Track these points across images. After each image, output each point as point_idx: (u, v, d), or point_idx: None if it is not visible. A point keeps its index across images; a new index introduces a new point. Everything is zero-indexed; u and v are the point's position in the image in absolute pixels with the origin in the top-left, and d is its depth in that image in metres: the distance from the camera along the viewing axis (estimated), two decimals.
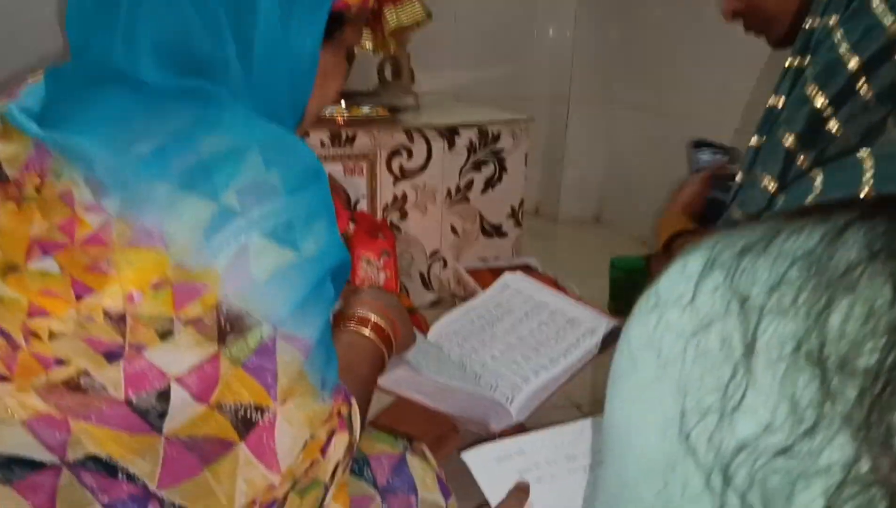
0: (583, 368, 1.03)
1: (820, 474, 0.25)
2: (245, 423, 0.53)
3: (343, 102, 1.73)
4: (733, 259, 0.29)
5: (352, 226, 1.57)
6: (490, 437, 0.96)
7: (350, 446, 0.60)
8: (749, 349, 0.27)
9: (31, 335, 0.51)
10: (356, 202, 1.65)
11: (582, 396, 1.37)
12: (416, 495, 0.69)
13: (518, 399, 0.98)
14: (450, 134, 1.69)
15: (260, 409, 0.53)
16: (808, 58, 0.51)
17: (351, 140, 1.61)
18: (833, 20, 0.49)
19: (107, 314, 0.51)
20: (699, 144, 1.24)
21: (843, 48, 0.47)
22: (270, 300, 0.53)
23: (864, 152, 0.40)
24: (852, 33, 0.47)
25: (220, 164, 0.54)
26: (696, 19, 2.03)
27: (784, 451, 0.25)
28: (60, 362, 0.51)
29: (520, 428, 0.99)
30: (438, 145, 1.69)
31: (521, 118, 1.77)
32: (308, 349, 0.56)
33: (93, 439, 0.51)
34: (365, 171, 1.64)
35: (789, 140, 0.49)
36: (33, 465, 0.51)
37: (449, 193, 1.73)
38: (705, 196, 0.94)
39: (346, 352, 0.69)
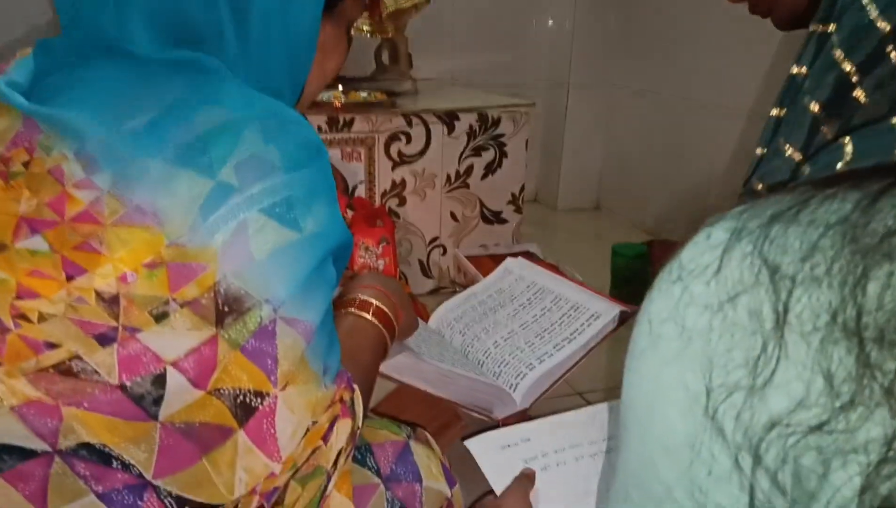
0: (588, 354, 1.01)
1: (857, 451, 0.23)
2: (244, 409, 0.51)
3: (340, 86, 1.70)
4: (762, 228, 0.28)
5: (350, 213, 1.55)
6: (493, 425, 0.95)
7: (353, 433, 0.58)
8: (780, 320, 0.25)
9: (20, 317, 0.49)
10: (354, 188, 1.63)
11: (588, 384, 1.35)
12: (421, 483, 0.67)
13: (522, 386, 0.97)
14: (449, 119, 1.67)
15: (260, 394, 0.51)
16: (833, 25, 0.49)
17: (349, 125, 1.58)
18: None
19: (99, 296, 0.49)
20: None
21: (873, 11, 0.44)
22: (270, 280, 0.51)
23: None
24: None
25: (217, 138, 0.51)
26: (696, 6, 2.01)
27: (818, 428, 0.24)
28: (51, 345, 0.48)
29: (524, 416, 0.97)
30: (438, 130, 1.66)
31: (522, 103, 1.75)
32: (310, 333, 0.53)
33: (86, 426, 0.49)
34: (363, 156, 1.62)
35: (815, 108, 0.46)
36: (23, 453, 0.48)
37: (448, 178, 1.71)
38: None
39: (348, 337, 0.67)
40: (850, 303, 0.24)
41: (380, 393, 1.05)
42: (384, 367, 0.83)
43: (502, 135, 1.73)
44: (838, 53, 0.46)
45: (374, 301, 0.72)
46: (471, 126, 1.69)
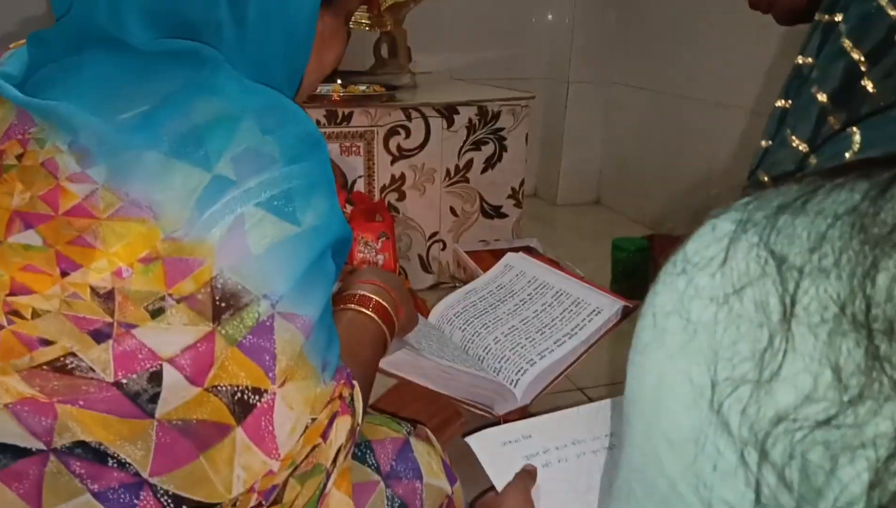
0: (589, 350, 1.01)
1: (865, 446, 0.23)
2: (242, 406, 0.50)
3: (339, 80, 1.69)
4: (769, 219, 0.27)
5: (349, 207, 1.54)
6: (494, 421, 0.94)
7: (352, 430, 0.58)
8: (788, 313, 0.25)
9: (13, 313, 0.48)
10: (353, 183, 1.62)
11: (589, 380, 1.35)
12: (422, 480, 0.66)
13: (523, 382, 0.96)
14: (449, 112, 1.66)
15: (258, 391, 0.50)
16: (840, 14, 0.48)
17: (347, 119, 1.57)
18: None
19: (94, 291, 0.48)
20: None
21: None
22: (268, 275, 0.50)
23: None
24: None
25: (214, 130, 0.50)
26: (697, 0, 2.00)
27: (826, 422, 0.24)
28: (45, 342, 0.48)
29: (525, 412, 0.96)
30: (437, 124, 1.65)
31: (523, 96, 1.74)
32: (308, 328, 0.53)
33: (81, 424, 0.48)
34: (362, 150, 1.61)
35: (822, 98, 0.46)
36: (18, 452, 0.48)
37: (448, 173, 1.70)
38: None
39: (347, 333, 0.67)
40: (859, 295, 0.24)
41: (379, 389, 1.04)
42: (384, 363, 0.82)
43: (502, 129, 1.72)
44: (847, 42, 0.45)
45: (374, 297, 0.71)
46: (470, 120, 1.68)
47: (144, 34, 0.55)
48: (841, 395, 0.23)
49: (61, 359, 0.47)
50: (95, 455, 0.48)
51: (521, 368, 0.97)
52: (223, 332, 0.49)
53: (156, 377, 0.48)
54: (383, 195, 1.66)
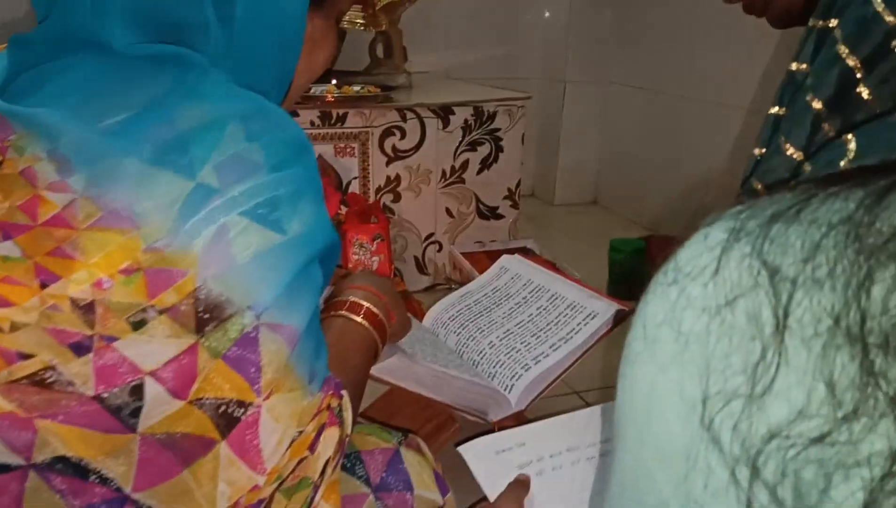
0: (585, 354, 1.00)
1: (860, 465, 0.22)
2: (227, 420, 0.49)
3: (333, 81, 1.68)
4: (762, 228, 0.26)
5: (343, 209, 1.53)
6: (489, 428, 0.93)
7: (341, 441, 0.57)
8: (780, 325, 0.24)
9: None
10: (348, 184, 1.61)
11: (585, 384, 1.34)
12: (412, 492, 0.65)
13: (517, 387, 0.95)
14: (444, 113, 1.65)
15: (242, 404, 0.49)
16: (835, 20, 0.47)
17: (342, 120, 1.56)
18: None
19: (74, 303, 0.47)
20: None
21: (879, 4, 0.43)
22: (253, 285, 0.49)
23: None
24: None
25: (197, 137, 0.49)
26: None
27: (820, 439, 0.23)
28: (24, 356, 0.46)
29: (520, 418, 0.95)
30: (432, 125, 1.64)
31: (518, 96, 1.73)
32: (294, 339, 0.51)
33: (61, 439, 0.47)
34: (356, 152, 1.60)
35: (817, 105, 0.45)
36: None
37: (444, 174, 1.69)
38: None
39: (337, 340, 0.66)
40: (854, 306, 0.23)
41: (372, 396, 1.03)
42: (376, 369, 0.81)
43: (498, 129, 1.71)
44: (842, 48, 0.44)
45: (364, 303, 0.70)
46: (466, 120, 1.67)
47: (128, 36, 0.54)
48: (835, 411, 0.23)
49: (40, 373, 0.46)
50: (76, 470, 0.47)
51: (516, 373, 0.96)
52: (206, 344, 0.48)
53: (137, 391, 0.47)
54: (378, 197, 1.65)
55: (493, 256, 1.38)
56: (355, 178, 1.61)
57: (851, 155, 0.39)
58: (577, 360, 0.99)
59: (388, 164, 1.63)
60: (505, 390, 0.95)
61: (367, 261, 1.51)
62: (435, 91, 1.83)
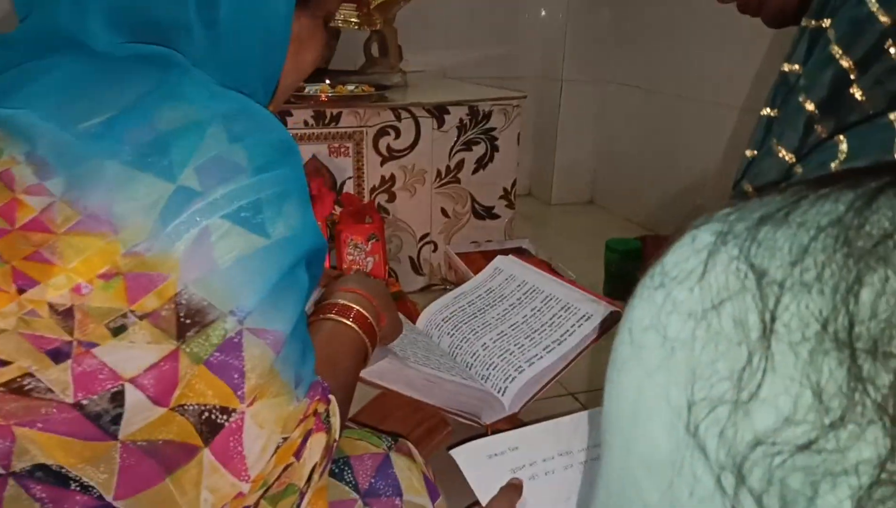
0: (579, 356, 0.99)
1: (848, 472, 0.22)
2: (209, 426, 0.48)
3: (328, 80, 1.67)
4: (749, 231, 0.26)
5: (338, 209, 1.52)
6: (482, 431, 0.92)
7: (328, 447, 0.56)
8: (767, 330, 0.24)
9: None
10: (342, 184, 1.60)
11: (579, 385, 1.33)
12: (401, 497, 0.64)
13: (511, 390, 0.94)
14: (439, 112, 1.64)
15: (226, 411, 0.48)
16: (828, 20, 0.46)
17: (336, 119, 1.55)
18: None
19: (52, 308, 0.46)
20: None
21: (873, 4, 0.42)
22: (235, 290, 0.48)
23: (894, 116, 0.37)
24: None
25: (178, 138, 0.48)
26: None
27: (807, 446, 0.22)
28: (1, 362, 0.46)
29: (514, 420, 0.94)
30: (427, 124, 1.63)
31: (514, 96, 1.72)
32: (279, 343, 0.51)
33: (40, 447, 0.46)
34: (351, 151, 1.59)
35: (810, 107, 0.44)
36: None
37: (439, 173, 1.68)
38: None
39: (326, 344, 0.65)
40: (842, 311, 0.23)
41: (363, 399, 1.02)
42: (366, 373, 0.80)
43: (493, 129, 1.70)
44: (836, 49, 0.43)
45: (354, 306, 0.69)
46: (461, 120, 1.66)
47: (109, 36, 0.53)
48: (822, 418, 0.22)
49: (18, 380, 0.45)
50: (57, 478, 0.46)
51: (510, 375, 0.95)
52: (188, 350, 0.47)
53: (117, 398, 0.46)
54: (373, 197, 1.64)
55: (488, 256, 1.37)
56: (350, 178, 1.60)
57: (843, 157, 0.39)
58: (570, 362, 0.98)
59: (382, 163, 1.62)
60: (498, 392, 0.94)
61: (362, 261, 1.50)
62: (430, 90, 1.83)
